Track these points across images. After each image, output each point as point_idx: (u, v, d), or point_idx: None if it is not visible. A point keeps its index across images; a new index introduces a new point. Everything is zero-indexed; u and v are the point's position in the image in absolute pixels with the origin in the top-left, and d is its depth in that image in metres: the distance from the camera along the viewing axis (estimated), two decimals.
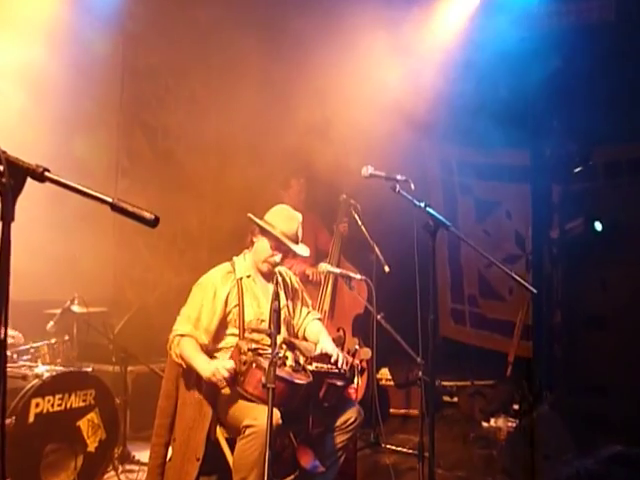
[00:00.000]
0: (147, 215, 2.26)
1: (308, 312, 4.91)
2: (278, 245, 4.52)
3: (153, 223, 2.27)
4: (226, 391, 4.29)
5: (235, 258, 4.67)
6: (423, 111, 6.72)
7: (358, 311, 7.06)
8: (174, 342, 4.34)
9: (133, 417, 6.04)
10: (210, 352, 4.44)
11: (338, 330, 6.98)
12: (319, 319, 4.94)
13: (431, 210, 3.98)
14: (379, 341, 5.54)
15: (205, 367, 4.19)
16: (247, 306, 4.49)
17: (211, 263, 4.65)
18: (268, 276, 4.66)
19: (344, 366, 4.50)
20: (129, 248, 7.12)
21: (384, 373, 8.08)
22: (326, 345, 4.57)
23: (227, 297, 4.45)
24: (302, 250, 4.58)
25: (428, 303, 3.98)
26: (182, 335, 4.35)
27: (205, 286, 4.47)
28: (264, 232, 4.56)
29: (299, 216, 4.64)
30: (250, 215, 4.54)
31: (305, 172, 7.12)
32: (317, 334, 4.75)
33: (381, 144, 6.05)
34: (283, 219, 4.58)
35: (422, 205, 3.99)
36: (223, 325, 4.48)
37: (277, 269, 4.71)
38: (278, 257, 4.55)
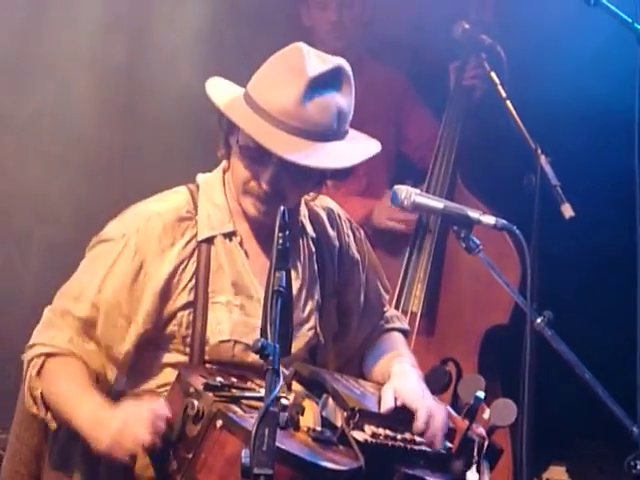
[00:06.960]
0: None
1: (382, 312, 2.49)
2: (259, 152, 2.10)
3: None
4: None
5: (201, 178, 2.31)
6: None
7: (497, 318, 3.59)
8: (31, 370, 2.13)
9: None
10: (120, 397, 2.22)
11: (444, 363, 3.67)
12: (402, 330, 2.53)
13: None
14: (542, 393, 2.98)
15: (96, 423, 2.02)
16: (218, 308, 2.19)
17: (129, 195, 2.39)
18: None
19: (445, 441, 2.21)
20: None
21: (556, 476, 3.88)
22: (404, 388, 2.22)
23: (170, 280, 2.16)
24: (352, 154, 2.17)
25: None
26: (50, 354, 2.13)
27: (117, 249, 2.16)
28: (231, 128, 2.18)
29: (338, 62, 2.19)
30: (208, 87, 2.19)
31: None
32: (388, 362, 2.37)
33: None
34: (283, 79, 2.11)
35: None
36: (154, 343, 2.21)
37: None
38: (266, 179, 2.12)
